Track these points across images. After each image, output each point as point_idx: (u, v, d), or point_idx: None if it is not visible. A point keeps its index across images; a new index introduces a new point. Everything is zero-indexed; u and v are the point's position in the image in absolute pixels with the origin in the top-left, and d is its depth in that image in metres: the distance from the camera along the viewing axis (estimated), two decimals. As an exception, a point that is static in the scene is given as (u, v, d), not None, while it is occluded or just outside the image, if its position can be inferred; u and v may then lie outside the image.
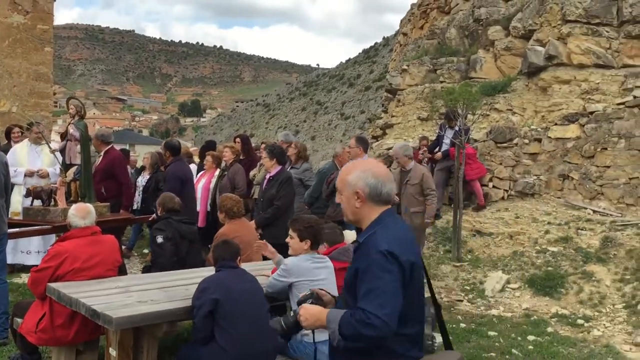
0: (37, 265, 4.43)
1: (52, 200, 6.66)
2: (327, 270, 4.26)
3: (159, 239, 5.25)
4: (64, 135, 8.36)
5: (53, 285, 4.07)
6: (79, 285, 4.10)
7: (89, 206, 4.65)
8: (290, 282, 4.13)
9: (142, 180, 9.16)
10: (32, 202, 6.66)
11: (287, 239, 4.31)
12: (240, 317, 3.72)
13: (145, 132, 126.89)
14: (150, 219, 7.52)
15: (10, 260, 7.41)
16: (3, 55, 10.52)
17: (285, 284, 4.14)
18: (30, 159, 7.79)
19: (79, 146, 7.88)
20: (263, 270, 4.60)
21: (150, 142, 78.16)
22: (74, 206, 4.60)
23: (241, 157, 8.42)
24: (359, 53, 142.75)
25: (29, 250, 7.58)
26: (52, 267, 4.17)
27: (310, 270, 4.15)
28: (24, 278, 6.59)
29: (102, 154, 7.81)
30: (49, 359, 4.57)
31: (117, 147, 12.15)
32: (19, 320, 4.38)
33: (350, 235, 4.96)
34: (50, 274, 4.16)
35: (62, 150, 7.89)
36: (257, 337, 3.75)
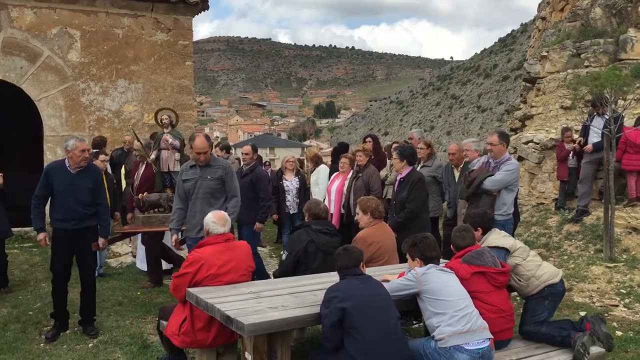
0: (176, 270, 4.66)
1: (168, 207, 7.09)
2: (454, 277, 4.11)
3: (284, 255, 5.30)
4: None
5: (191, 290, 4.25)
6: (214, 290, 4.24)
7: (225, 214, 4.80)
8: (416, 291, 3.99)
9: (291, 184, 9.26)
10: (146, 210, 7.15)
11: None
12: (369, 325, 3.62)
13: (284, 136, 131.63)
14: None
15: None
16: (150, 71, 11.35)
17: (409, 289, 4.02)
18: None
19: (177, 154, 8.26)
20: (391, 275, 4.47)
21: (289, 145, 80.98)
22: (211, 213, 4.76)
23: (372, 157, 8.34)
24: (495, 42, 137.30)
25: None
26: (190, 273, 4.36)
27: (439, 275, 4.01)
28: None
29: (145, 162, 8.03)
30: (193, 359, 4.79)
31: (259, 151, 12.67)
32: (164, 322, 4.63)
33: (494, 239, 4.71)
34: (189, 280, 4.35)
35: (157, 159, 8.30)
36: (387, 346, 3.64)
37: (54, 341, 5.38)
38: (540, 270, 4.57)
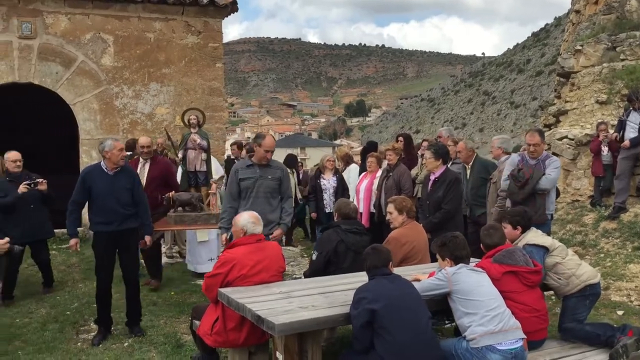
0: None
1: (199, 206, 7.14)
2: (485, 276, 4.07)
3: (314, 255, 5.31)
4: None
5: (223, 290, 4.29)
6: (245, 290, 4.28)
7: (258, 215, 4.83)
8: (447, 291, 3.95)
9: (329, 182, 9.25)
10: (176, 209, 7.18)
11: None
12: (399, 326, 3.61)
13: (315, 135, 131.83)
14: None
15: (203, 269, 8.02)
16: (181, 74, 11.49)
17: (440, 289, 3.99)
18: None
19: (203, 154, 8.26)
20: (422, 274, 4.45)
21: (319, 145, 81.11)
22: (247, 214, 4.77)
23: (402, 156, 8.30)
24: (528, 37, 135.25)
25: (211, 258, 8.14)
26: (222, 274, 4.40)
27: (469, 275, 3.97)
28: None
29: (148, 161, 7.57)
30: (225, 359, 4.83)
31: (290, 151, 12.68)
32: (197, 322, 4.69)
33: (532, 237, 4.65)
34: (221, 280, 4.39)
35: (183, 159, 8.32)
36: (418, 346, 3.61)
37: (100, 345, 5.45)
38: (580, 269, 4.54)
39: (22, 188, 6.78)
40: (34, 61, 10.66)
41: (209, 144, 8.43)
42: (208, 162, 8.15)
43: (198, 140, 8.33)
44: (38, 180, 6.93)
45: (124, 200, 5.62)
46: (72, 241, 5.72)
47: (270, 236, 5.71)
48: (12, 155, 7.06)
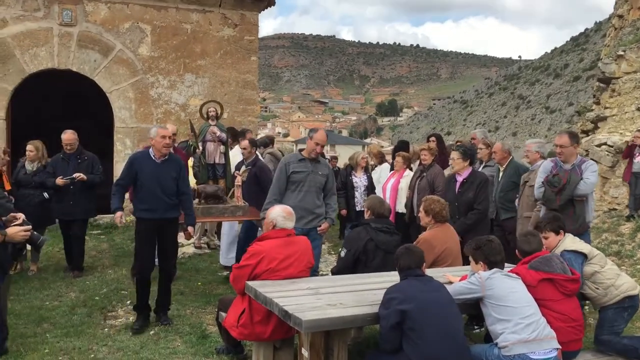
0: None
1: (224, 198, 7.12)
2: (520, 283, 3.94)
3: (342, 252, 5.23)
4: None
5: (250, 283, 4.26)
6: (273, 284, 4.23)
7: (291, 209, 4.78)
8: (480, 296, 3.85)
9: (360, 180, 9.12)
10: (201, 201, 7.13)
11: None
12: (429, 328, 3.52)
13: (345, 133, 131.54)
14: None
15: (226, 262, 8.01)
16: (216, 66, 11.53)
17: (472, 293, 3.88)
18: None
19: (222, 147, 8.18)
20: (454, 276, 4.35)
21: (349, 143, 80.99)
22: (280, 208, 4.73)
23: (436, 156, 8.18)
24: (567, 41, 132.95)
25: None
26: (250, 266, 4.36)
27: (504, 281, 3.86)
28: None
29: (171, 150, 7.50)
30: (250, 352, 4.80)
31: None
32: (223, 314, 4.66)
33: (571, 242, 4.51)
34: (249, 272, 4.35)
35: (202, 151, 8.24)
36: (448, 350, 3.52)
37: (141, 333, 5.45)
38: (620, 279, 4.39)
39: (59, 181, 7.27)
40: (73, 48, 10.81)
41: (228, 136, 8.39)
42: (226, 154, 8.11)
43: (218, 133, 8.29)
44: (75, 176, 7.31)
45: (169, 190, 5.62)
46: (117, 214, 5.69)
47: (318, 229, 5.97)
48: (64, 138, 7.49)
